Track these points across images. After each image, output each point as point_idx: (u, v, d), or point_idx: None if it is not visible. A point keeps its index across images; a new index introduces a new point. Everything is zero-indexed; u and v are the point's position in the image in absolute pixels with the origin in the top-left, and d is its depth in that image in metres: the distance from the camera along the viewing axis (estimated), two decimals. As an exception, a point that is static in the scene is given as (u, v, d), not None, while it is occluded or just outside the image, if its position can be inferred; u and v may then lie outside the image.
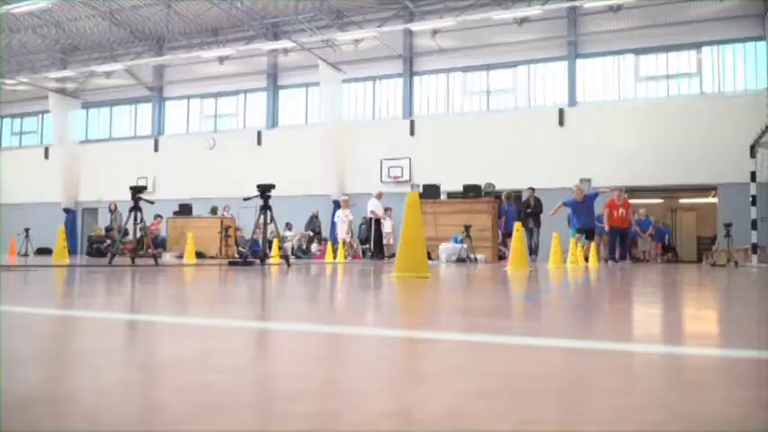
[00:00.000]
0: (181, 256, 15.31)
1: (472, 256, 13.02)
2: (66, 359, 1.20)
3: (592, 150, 19.36)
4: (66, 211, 25.71)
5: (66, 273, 5.68)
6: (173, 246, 18.21)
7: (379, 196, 17.37)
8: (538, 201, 16.17)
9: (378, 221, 17.17)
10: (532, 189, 16.48)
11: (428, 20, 20.85)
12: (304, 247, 18.82)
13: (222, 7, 21.27)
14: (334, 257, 15.21)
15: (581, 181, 19.21)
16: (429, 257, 9.50)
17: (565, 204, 14.26)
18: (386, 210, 17.65)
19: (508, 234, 14.08)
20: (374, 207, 17.17)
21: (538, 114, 20.53)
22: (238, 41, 23.47)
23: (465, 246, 13.11)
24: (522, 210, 15.96)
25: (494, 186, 16.08)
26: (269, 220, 8.86)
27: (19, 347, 1.30)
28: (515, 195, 16.63)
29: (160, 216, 18.07)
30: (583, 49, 20.52)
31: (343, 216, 17.71)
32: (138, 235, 10.87)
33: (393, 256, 12.55)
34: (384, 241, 17.33)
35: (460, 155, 20.45)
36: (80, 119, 26.94)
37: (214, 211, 19.67)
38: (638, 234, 18.74)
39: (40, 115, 28.36)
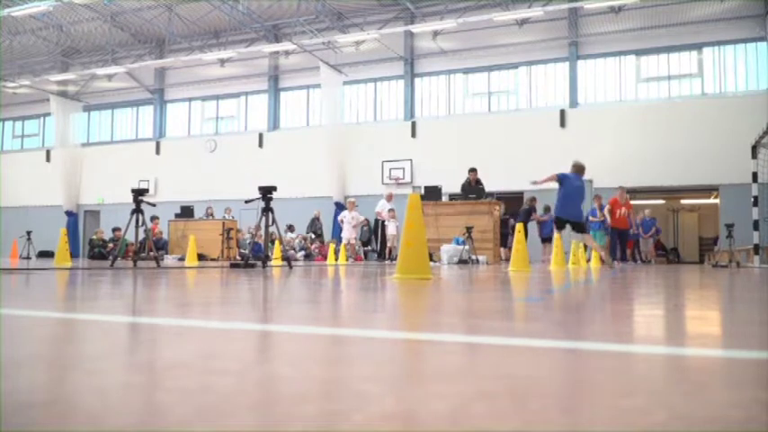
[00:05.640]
0: (183, 259, 15.32)
1: (474, 257, 13.01)
2: (69, 361, 1.21)
3: (593, 151, 19.33)
4: (68, 213, 25.73)
5: (68, 276, 5.68)
6: (175, 248, 18.23)
7: (390, 198, 17.33)
8: (479, 182, 15.43)
9: (382, 223, 17.17)
10: (474, 170, 15.53)
11: (429, 22, 20.85)
12: (306, 248, 18.81)
13: (223, 10, 21.29)
14: (336, 259, 15.21)
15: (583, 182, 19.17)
16: (431, 259, 9.50)
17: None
18: (389, 211, 17.64)
19: (547, 239, 15.59)
20: (379, 208, 17.17)
21: (539, 116, 20.52)
22: (239, 44, 23.50)
23: (467, 247, 13.10)
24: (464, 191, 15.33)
25: (536, 200, 16.47)
26: (270, 222, 8.86)
27: (21, 350, 1.30)
28: (532, 199, 16.66)
29: (157, 218, 18.03)
30: (584, 50, 20.51)
31: (350, 218, 17.63)
32: (141, 237, 10.88)
33: (396, 258, 12.54)
34: (388, 243, 17.33)
35: (462, 156, 20.42)
36: (81, 121, 26.97)
37: (209, 213, 19.61)
38: (638, 235, 18.65)
39: (42, 118, 28.39)
